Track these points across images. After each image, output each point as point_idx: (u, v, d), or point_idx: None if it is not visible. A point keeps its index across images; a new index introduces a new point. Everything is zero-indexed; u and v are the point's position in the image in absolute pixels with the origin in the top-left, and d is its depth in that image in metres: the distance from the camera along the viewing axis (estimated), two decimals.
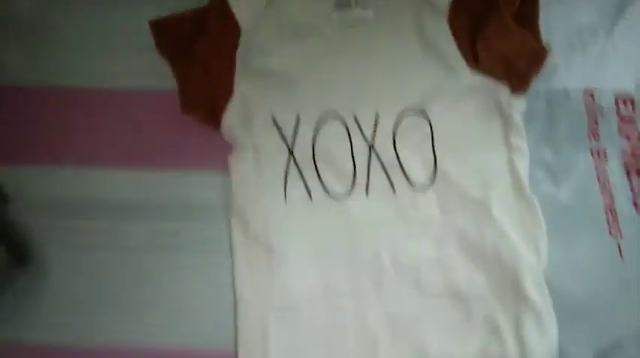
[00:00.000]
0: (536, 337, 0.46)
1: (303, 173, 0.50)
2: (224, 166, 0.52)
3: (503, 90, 0.50)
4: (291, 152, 0.51)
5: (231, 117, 0.51)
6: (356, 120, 0.51)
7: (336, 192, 0.50)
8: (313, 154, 0.50)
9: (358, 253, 0.49)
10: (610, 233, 0.49)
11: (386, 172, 0.50)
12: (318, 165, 0.50)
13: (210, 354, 0.49)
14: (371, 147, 0.50)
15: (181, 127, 0.53)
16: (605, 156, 0.51)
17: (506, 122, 0.50)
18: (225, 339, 0.49)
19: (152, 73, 0.54)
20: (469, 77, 0.50)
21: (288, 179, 0.50)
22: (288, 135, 0.51)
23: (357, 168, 0.50)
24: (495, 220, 0.48)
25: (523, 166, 0.50)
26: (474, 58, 0.50)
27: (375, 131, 0.51)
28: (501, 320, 0.47)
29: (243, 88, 0.51)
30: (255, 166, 0.51)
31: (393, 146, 0.50)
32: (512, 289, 0.47)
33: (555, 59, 0.53)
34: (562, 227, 0.49)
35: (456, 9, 0.51)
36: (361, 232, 0.49)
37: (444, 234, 0.49)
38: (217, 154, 0.52)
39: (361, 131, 0.51)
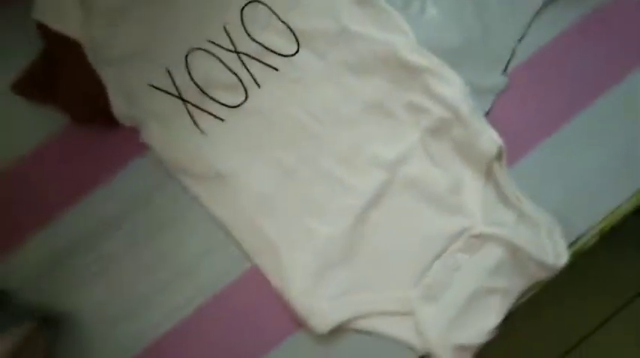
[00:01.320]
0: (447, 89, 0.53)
1: (204, 107, 0.55)
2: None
3: None
4: (183, 99, 0.55)
5: (117, 106, 0.55)
6: (211, 41, 0.55)
7: (238, 103, 0.55)
8: (201, 90, 0.55)
9: (288, 132, 0.55)
10: None
11: (260, 61, 0.55)
12: (211, 95, 0.55)
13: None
14: (237, 53, 0.55)
15: None
16: None
17: None
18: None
19: None
20: None
21: (196, 119, 0.55)
22: (172, 89, 0.55)
23: (240, 75, 0.55)
24: (356, 33, 0.54)
25: None
26: None
27: (230, 38, 0.55)
28: (414, 98, 0.54)
29: (109, 76, 0.55)
30: (164, 128, 0.55)
31: (250, 39, 0.55)
32: (405, 71, 0.54)
33: None
34: None
35: None
36: (278, 115, 0.55)
37: (333, 73, 0.55)
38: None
39: (221, 47, 0.55)
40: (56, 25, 0.54)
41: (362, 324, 0.53)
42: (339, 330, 0.53)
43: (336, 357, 0.53)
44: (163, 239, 0.55)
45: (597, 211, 0.55)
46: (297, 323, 0.53)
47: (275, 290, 0.54)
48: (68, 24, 0.54)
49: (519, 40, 0.57)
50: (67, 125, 0.57)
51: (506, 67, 0.57)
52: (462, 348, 0.51)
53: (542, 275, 0.52)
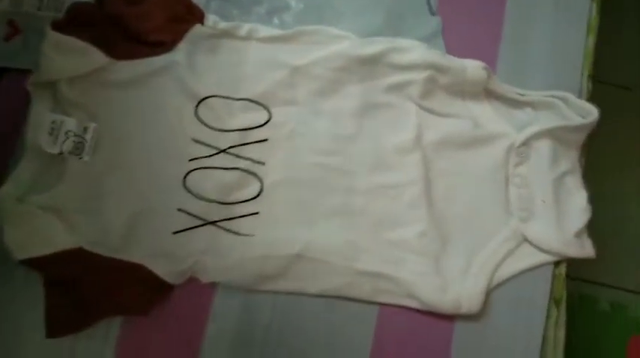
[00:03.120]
0: None
1: (233, 215, 0.54)
2: None
3: None
4: (211, 223, 0.53)
5: (163, 272, 0.52)
6: (192, 159, 0.54)
7: (258, 190, 0.55)
8: (219, 203, 0.54)
9: (319, 180, 0.55)
10: None
11: (247, 143, 0.55)
12: (231, 200, 0.54)
13: None
14: (223, 151, 0.55)
15: None
16: None
17: None
18: None
19: None
20: None
21: (234, 229, 0.54)
22: (195, 221, 0.53)
23: (240, 167, 0.55)
24: (305, 64, 0.56)
25: None
26: None
27: (206, 144, 0.55)
28: (389, 80, 0.56)
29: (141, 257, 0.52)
30: (216, 256, 0.53)
31: (223, 132, 0.55)
32: (367, 66, 0.56)
33: None
34: None
35: None
36: (299, 174, 0.55)
37: (311, 108, 0.56)
38: None
39: (205, 156, 0.55)
40: (45, 250, 0.50)
41: (499, 278, 0.54)
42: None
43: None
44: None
45: None
46: (450, 319, 0.54)
47: (413, 309, 0.53)
48: (56, 242, 0.50)
49: None
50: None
51: (430, 7, 0.61)
52: (578, 233, 0.55)
53: (585, 134, 0.57)
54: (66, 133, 0.53)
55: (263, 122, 0.55)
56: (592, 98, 0.60)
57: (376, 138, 0.56)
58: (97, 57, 0.54)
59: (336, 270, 0.53)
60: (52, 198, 0.52)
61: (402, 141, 0.56)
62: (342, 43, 0.57)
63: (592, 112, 0.56)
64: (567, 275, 0.56)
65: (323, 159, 0.55)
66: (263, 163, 0.55)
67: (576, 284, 0.92)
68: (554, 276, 0.55)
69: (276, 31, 0.57)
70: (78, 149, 0.53)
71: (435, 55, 0.56)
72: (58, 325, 0.50)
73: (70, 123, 0.53)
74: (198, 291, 0.53)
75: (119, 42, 0.54)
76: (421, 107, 0.56)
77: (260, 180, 0.54)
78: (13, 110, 0.57)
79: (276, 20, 0.60)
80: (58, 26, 0.53)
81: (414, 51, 0.56)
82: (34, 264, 0.50)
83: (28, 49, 0.57)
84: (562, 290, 0.56)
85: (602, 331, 0.96)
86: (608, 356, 0.95)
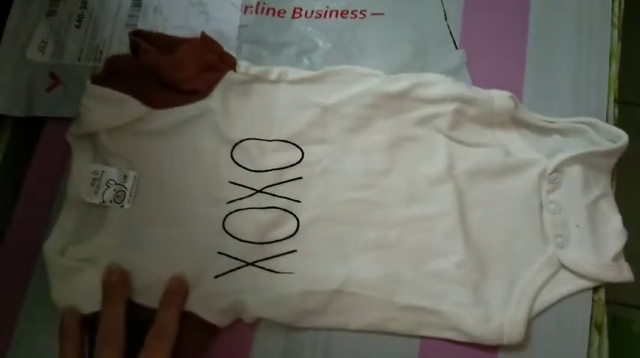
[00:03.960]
0: None
1: (272, 254, 0.55)
2: None
3: None
4: (252, 264, 0.54)
5: (209, 315, 0.53)
6: (230, 201, 0.56)
7: (294, 228, 0.56)
8: (258, 243, 0.55)
9: (354, 218, 0.56)
10: None
11: (282, 182, 0.56)
12: (269, 240, 0.55)
13: None
14: (260, 191, 0.56)
15: None
16: None
17: None
18: None
19: None
20: None
21: (273, 268, 0.55)
22: (236, 263, 0.55)
23: (277, 206, 0.56)
24: (336, 104, 0.58)
25: None
26: None
27: (243, 186, 0.56)
28: (418, 114, 0.58)
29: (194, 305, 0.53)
30: (257, 294, 0.53)
31: (259, 172, 0.57)
32: (396, 101, 0.58)
33: None
34: None
35: None
36: (334, 211, 0.56)
37: (342, 146, 0.57)
38: None
39: (241, 198, 0.56)
40: (93, 307, 0.51)
41: (540, 305, 0.54)
42: None
43: None
44: None
45: None
46: (493, 350, 0.54)
47: (455, 341, 0.54)
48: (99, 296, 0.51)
49: (445, 17, 0.63)
50: None
51: (454, 40, 0.62)
52: (615, 258, 0.55)
53: (616, 158, 0.57)
54: (107, 183, 0.54)
55: (296, 161, 0.57)
56: (619, 121, 0.60)
57: (408, 170, 0.57)
58: (134, 107, 0.56)
59: (377, 304, 0.53)
60: (94, 248, 0.53)
61: (433, 172, 0.57)
62: (370, 80, 0.58)
63: (621, 136, 0.56)
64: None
65: (356, 194, 0.56)
66: (299, 201, 0.56)
67: (610, 307, 0.91)
68: (593, 302, 0.55)
69: (305, 73, 0.59)
70: (119, 197, 0.54)
71: (461, 87, 0.57)
72: None
73: (112, 173, 0.55)
74: (239, 333, 0.54)
75: (155, 92, 0.56)
76: (450, 138, 0.57)
77: (296, 217, 0.56)
78: (54, 161, 0.59)
79: (305, 61, 0.62)
80: (97, 79, 0.56)
81: (441, 84, 0.57)
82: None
83: (69, 99, 0.59)
84: (602, 315, 0.55)
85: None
86: None
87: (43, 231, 0.56)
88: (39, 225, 0.57)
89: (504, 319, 0.53)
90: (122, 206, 0.54)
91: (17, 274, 0.56)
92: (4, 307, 0.55)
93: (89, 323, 0.50)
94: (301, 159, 0.57)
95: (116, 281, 0.50)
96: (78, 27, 0.62)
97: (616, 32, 0.63)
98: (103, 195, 0.54)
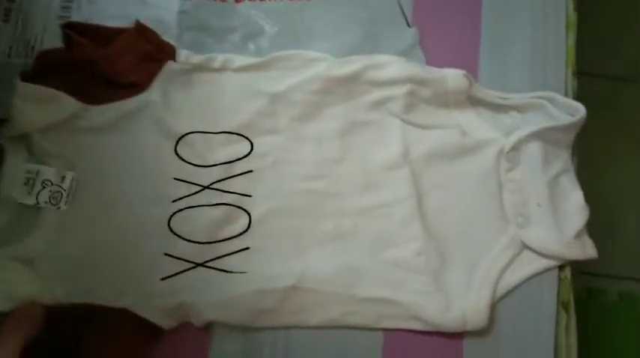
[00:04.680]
0: None
1: (224, 253, 0.52)
2: None
3: None
4: (202, 265, 0.52)
5: (158, 319, 0.50)
6: (175, 199, 0.53)
7: (247, 223, 0.53)
8: (208, 243, 0.53)
9: (307, 207, 0.54)
10: None
11: (231, 176, 0.54)
12: (221, 238, 0.53)
13: None
14: (207, 188, 0.53)
15: None
16: None
17: None
18: None
19: None
20: None
21: (226, 268, 0.53)
22: (185, 265, 0.52)
23: (227, 202, 0.53)
24: (284, 90, 0.56)
25: None
26: None
27: (189, 182, 0.54)
28: (370, 97, 0.56)
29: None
30: (207, 295, 0.51)
31: (205, 168, 0.54)
32: (347, 85, 0.56)
33: None
34: None
35: None
36: (287, 202, 0.54)
37: (294, 135, 0.55)
38: None
39: (188, 195, 0.53)
40: (8, 304, 0.47)
41: (503, 288, 0.53)
42: None
43: None
44: None
45: None
46: (459, 336, 0.52)
47: (418, 331, 0.52)
48: (20, 294, 0.48)
49: None
50: None
51: (406, 19, 0.60)
52: (578, 234, 0.53)
53: (575, 133, 0.55)
54: (42, 183, 0.51)
55: (245, 154, 0.54)
56: (579, 93, 0.59)
57: (362, 157, 0.55)
58: (68, 104, 0.52)
59: (336, 299, 0.51)
60: (26, 248, 0.50)
61: (388, 157, 0.54)
62: (318, 65, 0.55)
63: (579, 110, 0.55)
64: (604, 274, 0.55)
65: (310, 185, 0.54)
66: (250, 196, 0.53)
67: (581, 278, 0.91)
68: (559, 280, 0.54)
69: (251, 60, 0.56)
70: (55, 199, 0.51)
71: (413, 67, 0.55)
72: None
73: (47, 172, 0.51)
74: (193, 337, 0.51)
75: (91, 87, 0.53)
76: (405, 121, 0.55)
77: (248, 213, 0.53)
78: None
79: (251, 46, 0.59)
80: (28, 76, 0.52)
81: (392, 66, 0.55)
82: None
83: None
84: (569, 293, 0.54)
85: (613, 322, 0.95)
86: (622, 347, 0.94)
87: None
88: None
89: (466, 305, 0.51)
90: (59, 208, 0.51)
91: None
92: None
93: None
94: (250, 152, 0.54)
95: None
96: (6, 22, 0.58)
97: (571, 3, 0.61)
98: (37, 196, 0.51)
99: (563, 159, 0.55)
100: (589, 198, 0.55)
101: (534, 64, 0.59)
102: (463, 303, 0.51)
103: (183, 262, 0.51)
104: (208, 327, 0.51)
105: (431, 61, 0.58)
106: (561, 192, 0.54)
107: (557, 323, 0.53)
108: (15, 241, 0.50)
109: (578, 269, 0.55)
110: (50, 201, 0.51)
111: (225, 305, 0.50)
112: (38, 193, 0.51)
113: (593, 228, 0.55)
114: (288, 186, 0.54)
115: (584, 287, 0.93)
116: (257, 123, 0.55)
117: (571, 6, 0.61)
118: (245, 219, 0.53)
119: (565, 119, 0.55)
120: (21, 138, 0.53)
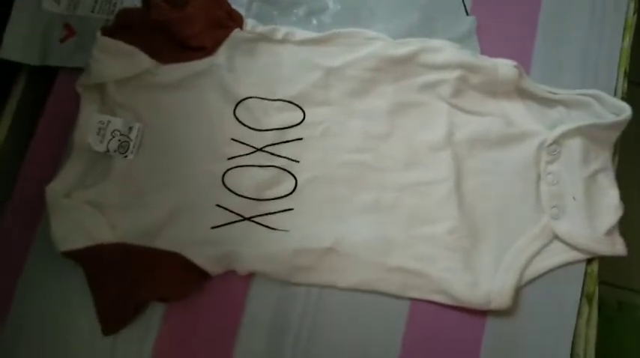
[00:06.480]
0: None
1: (269, 211, 0.56)
2: None
3: None
4: (249, 219, 0.56)
5: (205, 265, 0.54)
6: (230, 157, 0.57)
7: (292, 187, 0.57)
8: (256, 199, 0.57)
9: (352, 178, 0.57)
10: None
11: (283, 142, 0.57)
12: (267, 197, 0.57)
13: None
14: (260, 150, 0.57)
15: None
16: None
17: None
18: None
19: None
20: None
21: (270, 225, 0.56)
22: (233, 217, 0.56)
23: (276, 164, 0.57)
24: (340, 66, 0.59)
25: None
26: None
27: (244, 143, 0.57)
28: (421, 80, 0.58)
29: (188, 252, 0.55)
30: (253, 248, 0.55)
31: (260, 131, 0.58)
32: (400, 66, 0.58)
33: None
34: None
35: None
36: (332, 171, 0.57)
37: (344, 109, 0.58)
38: None
39: (242, 155, 0.57)
40: (86, 242, 0.53)
41: (530, 274, 0.55)
42: None
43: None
44: None
45: None
46: (481, 315, 0.55)
47: (444, 304, 0.55)
48: (97, 235, 0.53)
49: None
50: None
51: (465, 7, 0.61)
52: (609, 231, 0.55)
53: (618, 132, 0.57)
54: (112, 133, 0.56)
55: (297, 122, 0.58)
56: (628, 100, 0.59)
57: (407, 136, 0.58)
58: (143, 60, 0.57)
59: (367, 265, 0.55)
60: (97, 193, 0.55)
61: (433, 138, 0.57)
62: (375, 44, 0.58)
63: (625, 109, 0.56)
64: (604, 282, 0.56)
65: (354, 157, 0.57)
66: (298, 161, 0.57)
67: (613, 290, 0.91)
68: (586, 274, 0.56)
69: (311, 34, 0.59)
70: (123, 148, 0.56)
71: (465, 54, 0.57)
72: (110, 320, 0.53)
73: (117, 123, 0.56)
74: (235, 283, 0.56)
75: (164, 46, 0.57)
76: (452, 106, 0.58)
77: (294, 177, 0.57)
78: (65, 110, 0.60)
79: (314, 21, 0.62)
80: (108, 31, 0.57)
81: (446, 51, 0.57)
82: (76, 256, 0.53)
83: (82, 51, 0.60)
84: (594, 287, 0.56)
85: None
86: None
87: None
88: (52, 167, 0.58)
89: (492, 286, 0.53)
90: (126, 156, 0.56)
91: (30, 211, 0.58)
92: (13, 249, 0.57)
93: (86, 257, 0.53)
94: (302, 120, 0.58)
95: None
96: None
97: (632, 4, 0.62)
98: (107, 145, 0.56)
99: (603, 157, 0.57)
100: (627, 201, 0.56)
101: (587, 63, 0.60)
102: (489, 283, 0.54)
103: (232, 214, 0.55)
104: (249, 276, 0.56)
105: (485, 51, 0.60)
106: (598, 188, 0.56)
107: (579, 315, 0.55)
108: (89, 187, 0.55)
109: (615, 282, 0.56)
110: (119, 149, 0.56)
111: (267, 259, 0.54)
112: (109, 142, 0.56)
113: (625, 231, 0.56)
114: (334, 156, 0.57)
115: (616, 300, 0.93)
116: (311, 94, 0.58)
117: (632, 7, 0.62)
118: (291, 183, 0.57)
119: (609, 117, 0.56)
120: (96, 88, 0.57)
